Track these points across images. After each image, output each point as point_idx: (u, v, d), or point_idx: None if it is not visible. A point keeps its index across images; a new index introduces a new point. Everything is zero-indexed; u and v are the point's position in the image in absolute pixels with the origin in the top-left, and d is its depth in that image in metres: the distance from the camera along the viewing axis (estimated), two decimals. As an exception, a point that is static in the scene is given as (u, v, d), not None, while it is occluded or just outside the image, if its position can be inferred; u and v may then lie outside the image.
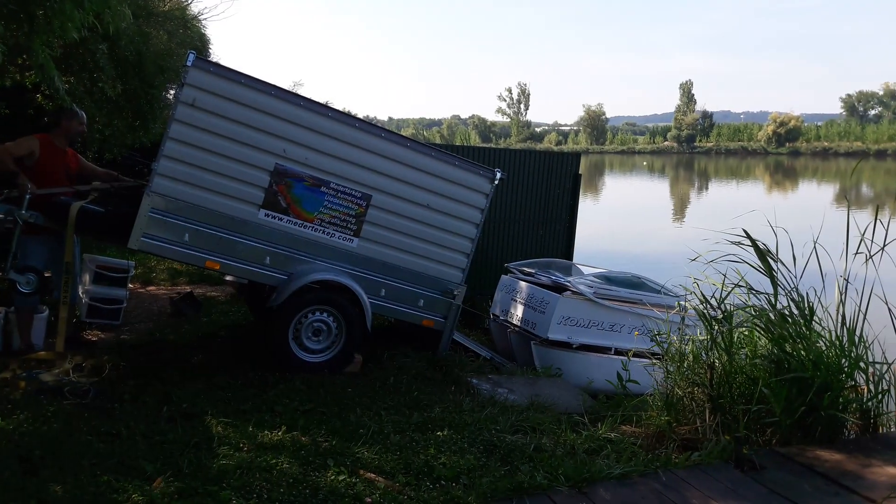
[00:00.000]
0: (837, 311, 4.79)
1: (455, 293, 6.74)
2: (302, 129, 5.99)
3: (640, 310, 7.55)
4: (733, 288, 5.07)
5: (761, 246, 5.05)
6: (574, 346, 7.55)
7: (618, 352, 7.51)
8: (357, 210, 6.26)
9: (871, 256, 4.85)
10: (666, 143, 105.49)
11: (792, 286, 4.91)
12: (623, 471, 4.07)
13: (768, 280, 5.12)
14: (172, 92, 8.56)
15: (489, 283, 7.94)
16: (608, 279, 8.12)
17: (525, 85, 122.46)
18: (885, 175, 63.84)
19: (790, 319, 4.76)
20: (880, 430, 4.70)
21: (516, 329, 8.02)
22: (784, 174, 68.58)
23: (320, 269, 6.13)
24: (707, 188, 53.29)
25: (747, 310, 5.08)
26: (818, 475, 4.05)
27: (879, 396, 4.71)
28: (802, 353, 4.64)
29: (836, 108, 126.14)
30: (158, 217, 5.62)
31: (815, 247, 5.01)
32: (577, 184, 9.81)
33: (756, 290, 4.96)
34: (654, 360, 5.88)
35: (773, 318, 4.79)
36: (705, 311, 5.12)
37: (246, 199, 5.91)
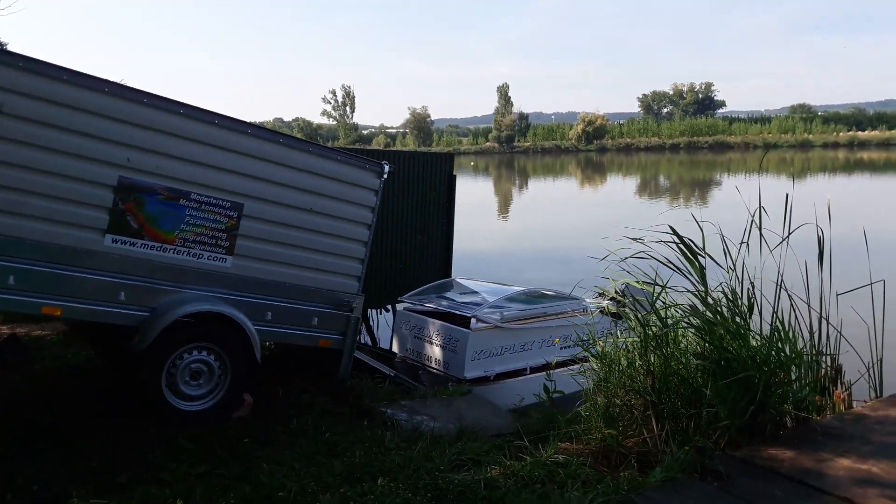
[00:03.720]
0: (775, 306, 4.75)
1: (353, 305, 6.03)
2: (148, 131, 5.00)
3: (545, 322, 7.38)
4: (664, 288, 4.87)
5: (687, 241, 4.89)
6: (491, 377, 7.15)
7: (533, 369, 7.27)
8: (227, 223, 5.36)
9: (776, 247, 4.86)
10: (488, 143, 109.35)
11: (723, 283, 4.79)
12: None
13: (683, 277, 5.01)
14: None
15: (369, 296, 7.26)
16: (509, 299, 7.82)
17: (349, 87, 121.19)
18: (678, 166, 70.79)
19: (729, 318, 4.62)
20: (813, 419, 4.71)
21: (429, 369, 7.46)
22: (594, 169, 73.65)
23: (191, 300, 5.18)
24: (527, 185, 55.79)
25: (675, 308, 4.89)
26: (783, 478, 3.91)
27: (808, 388, 4.72)
28: (742, 351, 4.52)
29: (634, 108, 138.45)
30: None
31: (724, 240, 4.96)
32: (452, 185, 9.42)
33: (689, 289, 4.78)
34: (574, 369, 5.65)
35: (709, 316, 4.63)
36: (637, 314, 4.87)
37: (86, 225, 4.84)
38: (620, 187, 48.81)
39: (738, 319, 4.63)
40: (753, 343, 4.66)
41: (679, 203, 35.16)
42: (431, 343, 7.47)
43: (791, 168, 59.33)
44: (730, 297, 4.70)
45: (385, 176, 6.13)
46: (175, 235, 5.16)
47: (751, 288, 4.73)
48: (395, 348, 8.00)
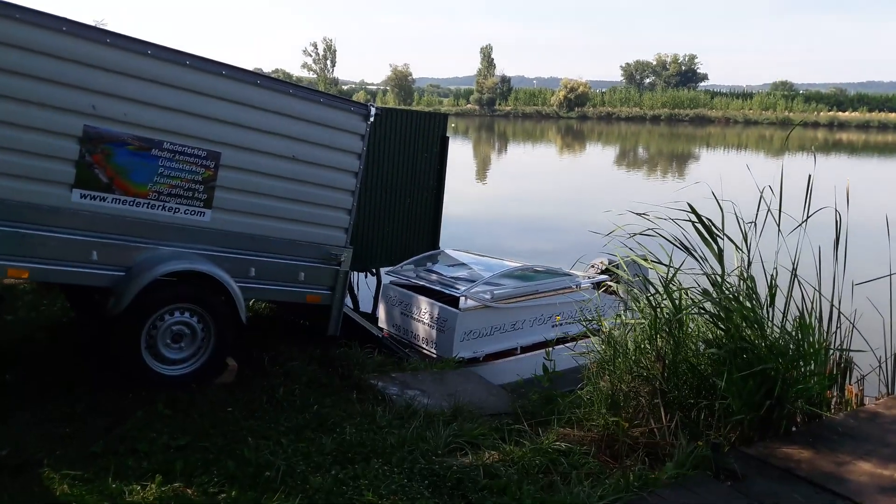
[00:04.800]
0: (788, 294, 4.52)
1: (341, 259, 5.69)
2: (114, 75, 4.53)
3: (537, 301, 7.11)
4: (678, 269, 4.60)
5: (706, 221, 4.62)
6: (481, 358, 6.89)
7: (524, 349, 7.05)
8: (204, 174, 4.96)
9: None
10: (469, 105, 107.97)
11: (742, 266, 4.54)
12: (604, 501, 3.45)
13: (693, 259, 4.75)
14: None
15: (353, 259, 6.87)
16: (500, 276, 7.51)
17: (331, 40, 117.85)
18: (658, 138, 70.80)
19: (748, 304, 4.38)
20: (826, 415, 4.54)
21: (416, 347, 7.16)
22: (574, 136, 73.30)
23: (168, 258, 4.80)
24: (506, 150, 55.35)
25: (686, 292, 4.64)
26: (802, 481, 3.72)
27: (826, 383, 4.53)
28: (759, 341, 4.29)
29: (617, 76, 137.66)
30: None
31: (744, 225, 4.69)
32: (444, 147, 9.01)
33: (708, 273, 4.52)
34: (570, 346, 5.44)
35: (727, 303, 4.39)
36: (650, 297, 4.62)
37: (51, 179, 4.43)
38: (600, 157, 48.66)
39: (756, 307, 4.39)
40: (770, 333, 4.44)
41: (667, 177, 35.15)
42: (419, 321, 7.18)
43: (771, 144, 59.64)
44: (748, 283, 4.46)
45: (372, 119, 5.73)
46: (148, 189, 4.75)
47: (774, 275, 4.47)
48: (381, 323, 7.68)
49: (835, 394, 4.85)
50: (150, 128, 4.71)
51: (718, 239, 4.60)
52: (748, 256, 4.54)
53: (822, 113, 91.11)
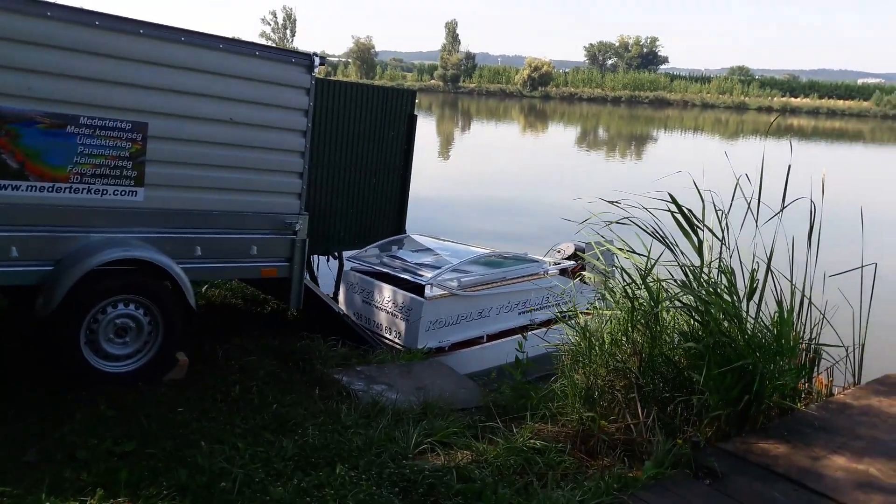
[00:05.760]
0: (762, 286, 4.40)
1: (296, 227, 5.36)
2: (9, 43, 4.01)
3: (504, 288, 6.92)
4: (656, 261, 4.44)
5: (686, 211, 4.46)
6: (447, 347, 6.66)
7: (490, 337, 6.86)
8: (131, 148, 4.54)
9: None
10: (433, 81, 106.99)
11: (721, 258, 4.40)
12: (584, 504, 3.28)
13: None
14: None
15: (314, 241, 6.55)
16: (466, 263, 7.27)
17: (291, 9, 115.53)
18: (618, 120, 71.30)
19: (727, 297, 4.24)
20: (797, 408, 4.45)
21: (378, 337, 6.89)
22: (537, 116, 73.30)
23: (101, 246, 4.39)
24: (469, 127, 55.02)
25: (662, 283, 4.48)
26: (780, 478, 3.62)
27: (798, 375, 4.45)
28: (737, 335, 4.17)
29: (580, 56, 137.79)
30: None
31: (723, 216, 4.55)
32: (412, 125, 8.68)
33: (685, 264, 4.36)
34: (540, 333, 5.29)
35: (708, 297, 4.24)
36: (626, 288, 4.45)
37: None
38: (562, 137, 48.73)
39: (735, 301, 4.26)
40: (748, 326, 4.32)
41: (626, 158, 35.35)
42: (382, 310, 6.90)
43: (727, 128, 60.60)
44: (728, 276, 4.32)
45: (316, 70, 5.30)
46: (68, 171, 4.31)
47: (756, 269, 4.34)
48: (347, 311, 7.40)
49: (805, 385, 4.79)
50: (61, 101, 4.22)
51: (698, 230, 4.44)
52: (728, 248, 4.40)
53: (775, 98, 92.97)
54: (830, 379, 4.85)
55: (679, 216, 4.46)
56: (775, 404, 4.32)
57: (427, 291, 6.63)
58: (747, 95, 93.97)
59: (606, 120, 69.65)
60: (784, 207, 4.73)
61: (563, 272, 7.85)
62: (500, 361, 6.39)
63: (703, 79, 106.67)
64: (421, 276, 6.82)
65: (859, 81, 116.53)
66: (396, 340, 6.71)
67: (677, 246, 4.60)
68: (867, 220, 5.19)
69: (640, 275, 4.42)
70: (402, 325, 6.63)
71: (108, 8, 4.78)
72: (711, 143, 45.59)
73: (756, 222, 4.58)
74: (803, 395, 4.71)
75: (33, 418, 3.87)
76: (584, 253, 8.22)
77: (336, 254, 8.56)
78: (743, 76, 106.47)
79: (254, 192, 5.18)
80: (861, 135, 62.62)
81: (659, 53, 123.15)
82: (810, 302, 4.79)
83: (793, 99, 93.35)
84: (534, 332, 5.70)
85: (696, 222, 4.43)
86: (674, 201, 4.44)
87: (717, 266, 4.41)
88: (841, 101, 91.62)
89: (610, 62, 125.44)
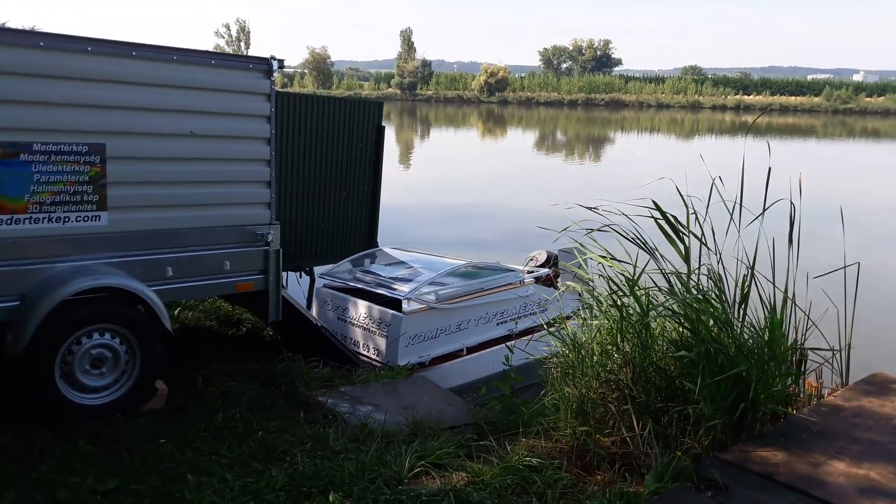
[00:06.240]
0: (747, 290, 4.40)
1: (268, 238, 5.24)
2: None
3: (482, 299, 6.87)
4: (645, 266, 4.41)
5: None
6: (427, 362, 6.54)
7: (469, 349, 6.78)
8: (90, 172, 4.38)
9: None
10: (390, 89, 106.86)
11: (708, 265, 4.39)
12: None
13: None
14: None
15: (285, 258, 6.36)
16: (443, 275, 7.18)
17: (244, 21, 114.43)
18: (576, 122, 72.13)
19: (717, 305, 4.22)
20: (790, 413, 4.46)
21: (356, 355, 6.74)
22: (496, 121, 73.69)
23: (68, 277, 4.22)
24: (429, 135, 55.09)
25: (649, 292, 4.45)
26: (783, 487, 3.59)
27: (789, 379, 4.45)
28: (728, 342, 4.15)
29: (535, 61, 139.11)
30: None
31: (696, 217, 4.54)
32: (380, 136, 8.56)
33: (671, 272, 4.34)
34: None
35: (698, 304, 4.21)
36: (615, 297, 4.40)
37: None
38: (521, 141, 49.04)
39: (725, 307, 4.25)
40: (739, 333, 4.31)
41: (584, 160, 35.70)
42: (358, 326, 6.76)
43: (682, 127, 61.75)
44: (716, 282, 4.31)
45: (276, 74, 5.19)
46: (26, 201, 4.13)
47: (747, 274, 4.33)
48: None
49: (794, 388, 4.80)
50: (10, 129, 4.05)
51: (683, 237, 4.42)
52: (713, 253, 4.39)
53: (729, 96, 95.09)
54: (820, 381, 4.87)
55: (664, 222, 4.43)
56: (769, 410, 4.32)
57: (405, 306, 6.52)
58: (701, 94, 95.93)
59: (564, 123, 70.40)
60: (766, 209, 4.74)
61: (537, 280, 7.82)
62: (481, 374, 6.31)
63: (657, 79, 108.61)
64: (396, 290, 6.70)
65: (809, 77, 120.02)
66: (375, 357, 6.58)
67: (657, 251, 4.59)
68: (837, 216, 5.23)
69: (628, 283, 4.37)
70: (380, 342, 6.50)
71: (55, 27, 4.58)
72: (669, 143, 46.40)
73: (738, 227, 4.59)
74: (794, 399, 4.72)
75: (8, 459, 3.65)
76: (558, 261, 8.22)
77: (308, 269, 8.39)
78: (696, 76, 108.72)
79: (221, 205, 5.06)
80: (814, 130, 64.41)
81: (612, 56, 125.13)
82: (794, 304, 4.81)
83: (746, 97, 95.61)
84: (515, 342, 5.64)
85: (681, 228, 4.40)
86: (658, 208, 4.41)
87: (703, 272, 4.40)
88: (793, 98, 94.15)
89: (565, 66, 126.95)
